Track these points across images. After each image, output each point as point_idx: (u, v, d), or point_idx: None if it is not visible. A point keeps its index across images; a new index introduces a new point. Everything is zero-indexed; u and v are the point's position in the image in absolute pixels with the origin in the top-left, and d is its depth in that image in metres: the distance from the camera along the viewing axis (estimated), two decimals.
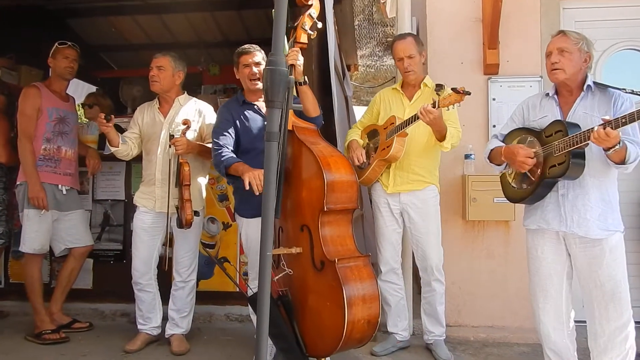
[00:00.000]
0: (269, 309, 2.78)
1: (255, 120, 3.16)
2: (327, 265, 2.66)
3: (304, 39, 2.89)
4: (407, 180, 3.31)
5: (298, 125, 2.93)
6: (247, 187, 2.78)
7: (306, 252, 2.77)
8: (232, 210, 4.22)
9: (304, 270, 2.78)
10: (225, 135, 3.11)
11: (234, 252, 4.23)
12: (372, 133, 3.45)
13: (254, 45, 3.21)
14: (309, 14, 2.88)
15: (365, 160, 3.34)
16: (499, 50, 3.75)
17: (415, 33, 3.77)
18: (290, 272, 2.83)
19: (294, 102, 2.99)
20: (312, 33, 2.92)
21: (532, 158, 2.54)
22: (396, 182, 3.33)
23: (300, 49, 2.88)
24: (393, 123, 3.22)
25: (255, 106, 3.19)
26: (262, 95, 3.10)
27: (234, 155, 3.05)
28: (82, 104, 5.02)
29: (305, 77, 2.96)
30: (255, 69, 3.13)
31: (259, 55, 3.17)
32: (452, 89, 2.82)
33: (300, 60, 2.85)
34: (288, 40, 3.01)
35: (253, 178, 2.79)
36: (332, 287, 2.62)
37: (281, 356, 2.91)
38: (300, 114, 3.01)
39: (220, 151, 3.08)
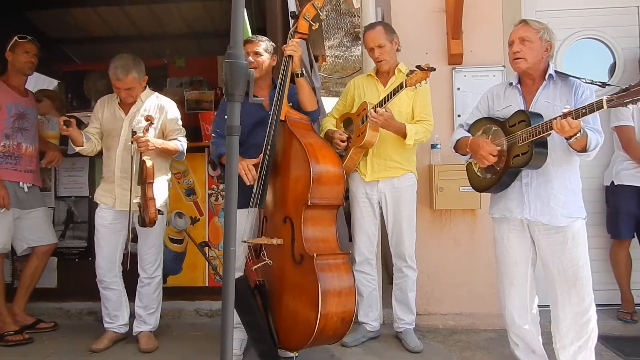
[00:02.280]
0: (245, 297, 2.80)
1: (250, 114, 2.96)
2: (306, 259, 2.66)
3: (305, 29, 2.88)
4: (385, 167, 3.31)
5: (291, 117, 2.91)
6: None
7: (287, 244, 2.77)
8: (199, 205, 4.19)
9: (284, 261, 2.78)
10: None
11: None
12: (347, 121, 3.44)
13: (259, 36, 3.19)
14: (312, 4, 2.89)
15: (348, 135, 3.33)
16: (463, 40, 3.77)
17: None
18: (270, 262, 2.81)
19: (290, 92, 3.01)
20: (313, 24, 2.90)
21: (494, 155, 2.58)
22: (374, 170, 3.32)
23: (301, 39, 2.89)
24: (365, 109, 3.21)
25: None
26: (261, 86, 3.13)
27: None
28: None
29: (303, 69, 2.93)
30: (250, 59, 3.06)
31: (262, 46, 3.11)
32: (416, 66, 2.85)
33: (298, 52, 2.83)
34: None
35: (241, 169, 2.82)
36: (308, 282, 2.62)
37: (253, 345, 2.91)
38: (297, 107, 3.01)
39: (215, 141, 3.13)
